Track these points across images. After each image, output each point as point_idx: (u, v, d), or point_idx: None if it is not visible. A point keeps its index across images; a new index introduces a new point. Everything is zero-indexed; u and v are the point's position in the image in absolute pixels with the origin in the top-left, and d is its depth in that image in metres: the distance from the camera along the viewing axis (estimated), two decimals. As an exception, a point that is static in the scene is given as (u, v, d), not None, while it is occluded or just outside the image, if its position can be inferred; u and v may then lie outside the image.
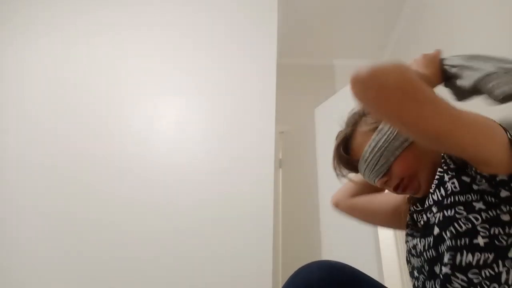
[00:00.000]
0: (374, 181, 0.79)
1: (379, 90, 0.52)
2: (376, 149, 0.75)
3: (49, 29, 1.94)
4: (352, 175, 0.87)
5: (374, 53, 3.06)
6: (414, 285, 0.74)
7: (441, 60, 0.79)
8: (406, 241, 0.78)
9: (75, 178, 1.61)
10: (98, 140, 1.70)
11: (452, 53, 0.83)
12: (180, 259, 1.49)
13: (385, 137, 0.74)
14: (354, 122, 0.82)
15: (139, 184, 1.62)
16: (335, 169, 0.83)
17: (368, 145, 0.76)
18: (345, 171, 0.83)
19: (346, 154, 0.82)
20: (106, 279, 1.45)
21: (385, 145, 0.74)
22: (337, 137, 0.84)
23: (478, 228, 0.58)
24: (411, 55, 0.98)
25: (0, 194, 1.57)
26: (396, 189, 0.78)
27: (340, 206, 1.03)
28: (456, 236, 0.59)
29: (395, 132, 0.74)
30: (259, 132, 1.76)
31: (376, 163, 0.76)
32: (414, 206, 0.80)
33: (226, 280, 1.46)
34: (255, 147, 1.72)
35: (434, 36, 2.05)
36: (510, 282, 0.55)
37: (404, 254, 2.73)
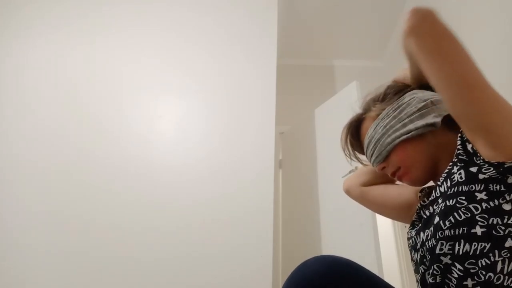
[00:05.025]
0: (374, 166, 0.81)
1: (434, 23, 0.62)
2: (374, 137, 0.78)
3: (50, 30, 1.94)
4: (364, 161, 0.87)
5: (374, 53, 3.07)
6: (417, 280, 0.74)
7: None
8: (409, 238, 0.78)
9: (75, 178, 1.62)
10: (99, 140, 1.70)
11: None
12: (180, 259, 1.50)
13: (383, 127, 0.76)
14: (368, 107, 0.83)
15: (140, 184, 1.62)
16: (343, 149, 0.85)
17: (368, 132, 0.79)
18: (353, 152, 0.85)
19: (356, 136, 0.84)
20: (105, 278, 1.45)
21: (382, 136, 0.76)
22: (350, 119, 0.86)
23: (477, 218, 0.58)
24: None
25: (0, 194, 1.57)
26: (393, 176, 0.79)
27: (351, 193, 1.00)
28: (455, 225, 0.60)
29: (397, 124, 0.75)
30: (259, 133, 1.76)
31: (374, 151, 0.78)
32: (421, 202, 0.80)
33: (226, 279, 1.47)
34: (255, 147, 1.73)
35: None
36: (505, 272, 0.55)
37: (404, 254, 2.73)
